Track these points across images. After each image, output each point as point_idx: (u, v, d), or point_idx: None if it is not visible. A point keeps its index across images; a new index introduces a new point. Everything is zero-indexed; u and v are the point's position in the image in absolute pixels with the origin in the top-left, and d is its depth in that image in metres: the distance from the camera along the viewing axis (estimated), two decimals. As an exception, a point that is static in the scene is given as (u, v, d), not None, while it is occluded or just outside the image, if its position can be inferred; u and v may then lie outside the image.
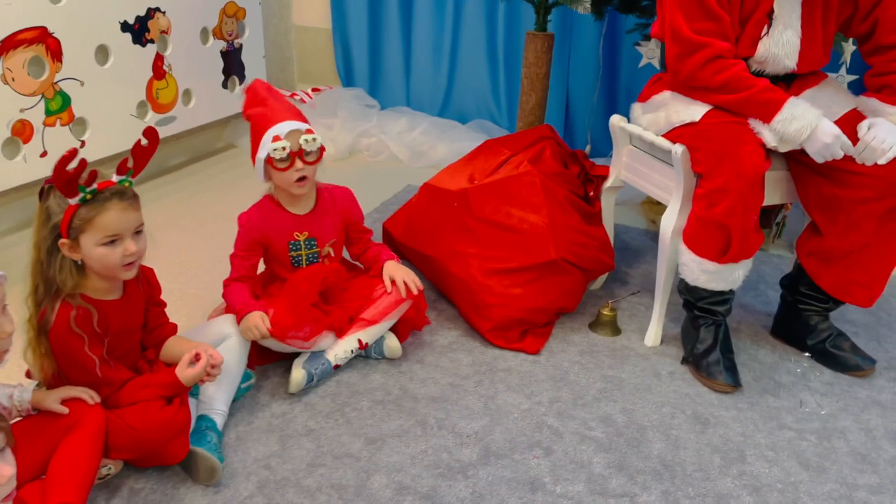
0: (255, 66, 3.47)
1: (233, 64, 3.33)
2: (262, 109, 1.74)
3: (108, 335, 1.45)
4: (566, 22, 3.34)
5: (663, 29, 1.84)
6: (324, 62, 4.03)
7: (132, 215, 1.41)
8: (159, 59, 2.90)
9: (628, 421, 1.73)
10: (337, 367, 1.83)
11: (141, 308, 1.56)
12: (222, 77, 3.28)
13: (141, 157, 1.44)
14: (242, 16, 3.32)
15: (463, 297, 2.05)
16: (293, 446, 1.59)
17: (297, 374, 1.75)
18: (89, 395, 1.42)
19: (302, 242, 1.84)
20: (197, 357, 1.48)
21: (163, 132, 2.99)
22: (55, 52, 2.46)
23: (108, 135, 2.71)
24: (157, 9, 2.84)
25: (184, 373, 1.46)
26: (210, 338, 1.66)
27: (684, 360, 1.94)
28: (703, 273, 1.81)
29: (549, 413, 1.74)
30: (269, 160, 1.71)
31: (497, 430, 1.67)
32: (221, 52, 3.24)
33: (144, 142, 1.44)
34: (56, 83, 2.49)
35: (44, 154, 2.48)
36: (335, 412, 1.71)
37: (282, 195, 1.82)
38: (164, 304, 1.64)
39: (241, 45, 3.35)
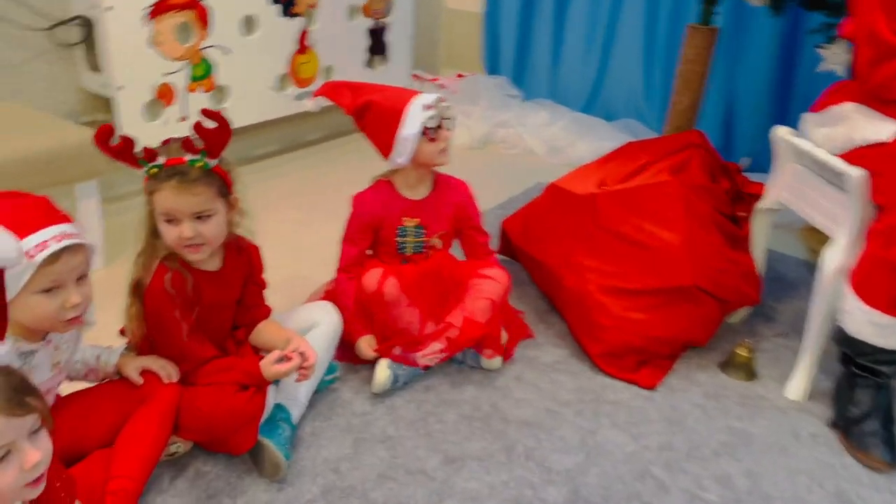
0: (400, 47, 3.41)
1: (378, 43, 3.28)
2: (378, 95, 1.64)
3: (199, 304, 1.40)
4: (738, 16, 2.98)
5: (857, 29, 1.53)
6: (470, 48, 3.91)
7: (190, 199, 1.31)
8: (305, 33, 2.89)
9: (752, 486, 1.47)
10: (426, 368, 1.70)
11: (238, 284, 1.50)
12: (367, 56, 3.24)
13: (211, 136, 1.32)
14: (393, -6, 3.26)
15: (575, 313, 1.85)
16: (367, 452, 1.48)
17: (382, 374, 1.64)
18: (167, 372, 1.38)
19: (410, 229, 1.73)
20: (289, 357, 1.40)
21: (302, 106, 2.99)
22: (203, 18, 2.50)
23: (247, 105, 2.74)
24: (307, -18, 2.83)
25: (269, 368, 1.38)
26: (300, 324, 1.59)
27: (833, 424, 1.64)
28: (871, 325, 1.50)
29: (657, 461, 1.52)
30: (425, 131, 1.60)
31: (592, 472, 1.47)
32: (369, 29, 3.20)
33: (210, 124, 1.33)
34: (201, 50, 2.53)
35: (183, 119, 2.54)
36: (418, 421, 1.58)
37: (408, 176, 1.71)
38: (263, 285, 1.57)
39: (386, 25, 3.29)
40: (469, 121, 3.44)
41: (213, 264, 1.43)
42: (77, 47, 2.36)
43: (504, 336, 1.80)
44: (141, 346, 1.42)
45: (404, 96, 1.63)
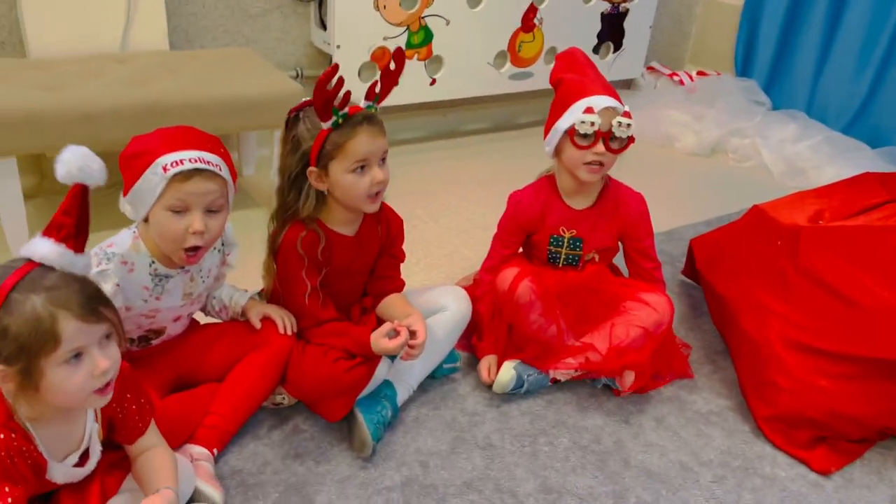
0: (636, 36, 3.17)
1: (611, 29, 3.08)
2: (577, 77, 1.49)
3: (327, 266, 1.39)
4: None
5: None
6: (722, 44, 3.52)
7: (380, 141, 1.31)
8: (532, 10, 2.79)
9: None
10: (554, 381, 1.55)
11: (372, 252, 1.47)
12: (595, 41, 3.06)
13: (389, 81, 1.32)
14: (638, -22, 3.03)
15: (748, 362, 1.56)
16: (462, 455, 1.38)
17: (506, 374, 1.51)
18: (284, 323, 1.39)
19: (565, 240, 1.57)
20: (398, 332, 1.34)
21: (516, 86, 2.92)
22: (430, -13, 2.51)
23: (460, 78, 2.72)
24: (544, -42, 2.71)
25: (378, 342, 1.34)
26: (428, 305, 1.52)
27: None
28: None
29: (799, 565, 1.23)
30: (571, 132, 1.45)
31: (710, 553, 1.23)
32: (602, 13, 3.01)
33: (393, 65, 1.31)
34: (423, 17, 2.55)
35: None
36: (527, 437, 1.44)
37: (564, 181, 1.57)
38: (400, 258, 1.53)
39: (626, 10, 3.07)
40: (699, 124, 3.11)
41: (350, 229, 1.41)
42: (311, 4, 2.49)
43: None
44: (272, 295, 1.45)
45: (587, 89, 1.46)
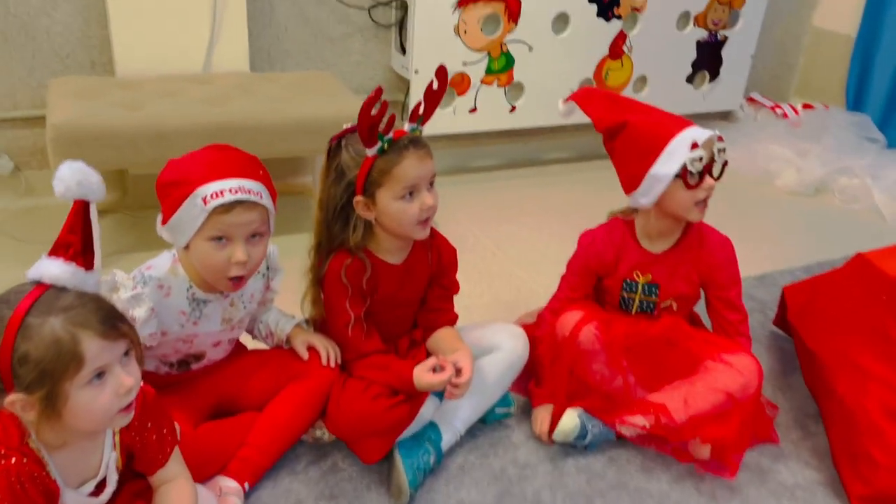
0: (736, 65, 2.98)
1: (707, 57, 2.91)
2: (640, 116, 1.37)
3: (373, 295, 1.32)
4: None
5: None
6: (833, 76, 3.26)
7: (428, 164, 1.25)
8: (621, 37, 2.67)
9: None
10: (620, 436, 1.41)
11: (422, 282, 1.40)
12: (689, 70, 2.90)
13: (432, 101, 1.26)
14: (739, 4, 2.85)
15: (841, 430, 1.38)
16: (507, 511, 1.27)
17: (570, 421, 1.38)
18: (328, 354, 1.33)
19: (640, 285, 1.44)
20: (443, 367, 1.26)
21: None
22: (514, 12, 2.44)
23: (542, 105, 2.62)
24: (636, -17, 2.60)
25: (421, 377, 1.25)
26: (481, 342, 1.42)
27: None
28: None
29: None
30: (683, 174, 1.32)
31: None
32: (698, 42, 2.85)
33: (436, 85, 1.24)
34: (505, 43, 2.48)
35: (473, 110, 2.52)
36: (581, 497, 1.31)
37: (650, 224, 1.43)
38: (453, 289, 1.45)
39: (725, 38, 2.90)
40: (803, 161, 2.87)
41: (398, 257, 1.34)
42: (392, 28, 2.48)
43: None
44: (319, 323, 1.40)
45: (671, 125, 1.34)
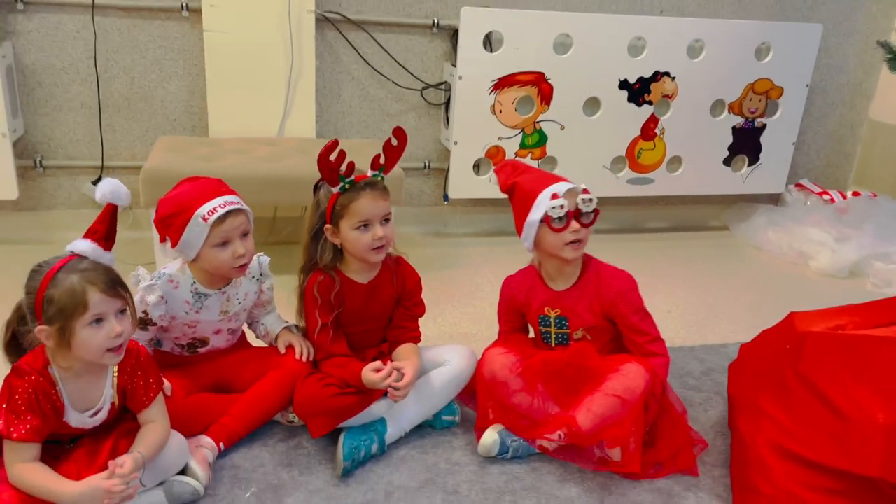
0: (777, 151, 3.12)
1: (746, 142, 3.07)
2: (528, 176, 1.65)
3: (338, 308, 1.65)
4: None
5: None
6: (889, 165, 3.30)
7: (381, 204, 1.57)
8: (653, 121, 2.91)
9: None
10: (541, 450, 1.61)
11: (387, 301, 1.70)
12: (726, 153, 3.07)
13: (391, 154, 1.58)
14: (777, 95, 3.02)
15: (736, 465, 1.51)
16: (425, 494, 1.50)
17: (489, 437, 1.61)
18: (302, 350, 1.66)
19: (552, 319, 1.68)
20: (380, 369, 1.55)
21: (635, 191, 3.02)
22: (546, 95, 2.77)
23: (574, 180, 2.88)
24: (667, 73, 2.85)
25: (366, 374, 1.55)
26: (433, 358, 1.70)
27: None
28: None
29: None
30: (546, 219, 1.59)
31: None
32: (734, 127, 3.03)
33: (395, 141, 1.57)
34: (538, 122, 2.80)
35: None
36: (493, 492, 1.52)
37: (546, 266, 1.69)
38: (416, 311, 1.74)
39: (763, 126, 3.06)
40: (841, 245, 2.92)
41: (363, 277, 1.66)
42: (440, 107, 2.87)
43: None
44: (304, 329, 1.73)
45: (542, 182, 1.60)
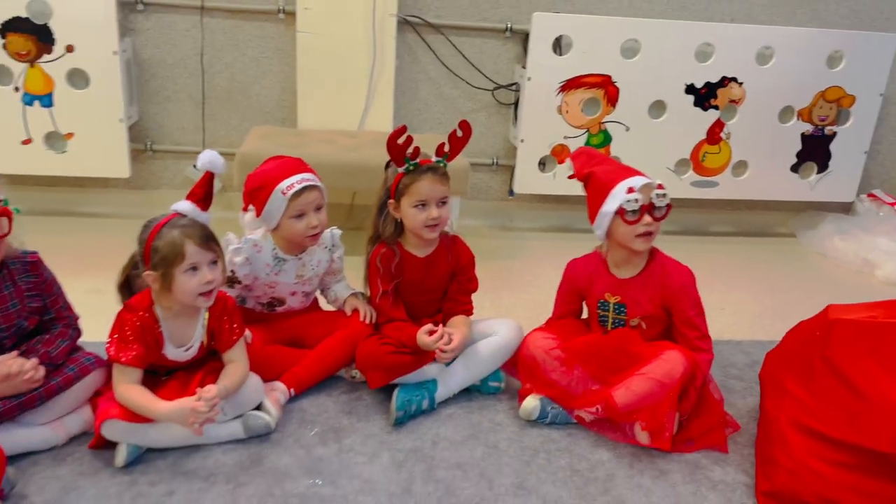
0: (848, 160, 3.12)
1: (815, 150, 3.08)
2: (605, 167, 1.77)
3: (398, 278, 1.83)
4: None
5: None
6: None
7: (440, 187, 1.74)
8: (718, 125, 2.98)
9: None
10: (578, 420, 1.75)
11: (440, 274, 1.86)
12: (794, 160, 3.09)
13: (455, 144, 1.75)
14: (848, 104, 3.02)
15: (760, 440, 1.60)
16: (467, 445, 1.67)
17: (530, 402, 1.76)
18: (365, 314, 1.86)
19: (611, 305, 1.80)
20: (433, 332, 1.72)
21: (699, 193, 3.09)
22: (612, 97, 2.89)
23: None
24: (734, 79, 2.91)
25: (420, 336, 1.73)
26: (483, 329, 1.86)
27: None
28: None
29: None
30: (619, 212, 1.71)
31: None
32: (803, 134, 3.05)
33: (459, 133, 1.74)
34: (603, 123, 2.92)
35: (572, 177, 2.96)
36: (529, 449, 1.67)
37: (613, 254, 1.81)
38: (469, 286, 1.90)
39: (833, 133, 3.07)
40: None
41: (421, 252, 1.84)
42: (510, 107, 3.03)
43: (677, 426, 1.69)
44: (370, 296, 1.93)
45: (619, 174, 1.72)
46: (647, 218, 1.69)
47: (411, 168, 1.74)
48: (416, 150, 1.73)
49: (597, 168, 1.76)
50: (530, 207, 3.20)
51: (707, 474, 1.63)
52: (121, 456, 1.51)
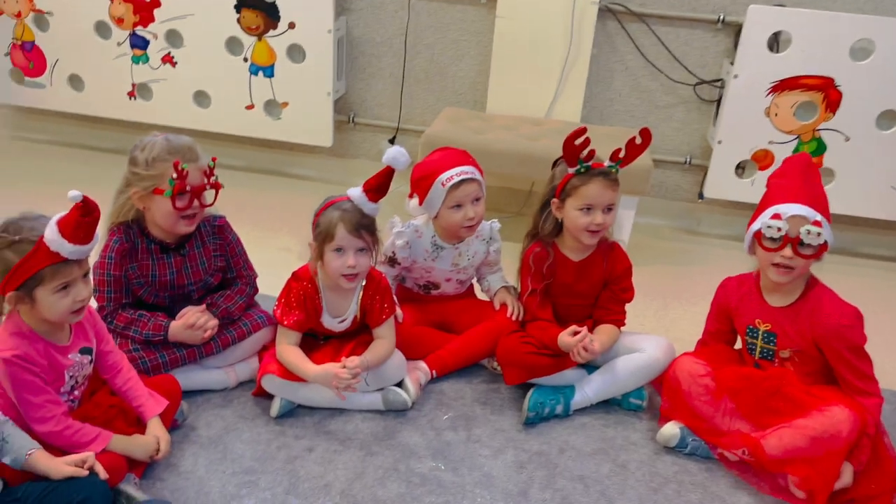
0: None
1: None
2: (782, 182, 1.59)
3: (549, 279, 1.81)
4: None
5: None
6: None
7: (608, 193, 1.70)
8: (966, 142, 2.54)
9: None
10: (720, 459, 1.64)
11: (594, 281, 1.82)
12: None
13: (631, 151, 1.69)
14: None
15: None
16: (587, 454, 1.64)
17: (670, 429, 1.68)
18: (513, 310, 1.87)
19: (760, 332, 1.65)
20: (576, 333, 1.70)
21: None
22: (832, 103, 2.58)
23: (852, 196, 2.66)
24: None
25: (563, 337, 1.71)
26: (628, 344, 1.81)
27: None
28: None
29: None
30: (758, 235, 1.58)
31: None
32: None
33: (639, 140, 1.67)
34: (818, 130, 2.62)
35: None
36: (660, 477, 1.60)
37: (763, 277, 1.65)
38: (625, 297, 1.84)
39: None
40: None
41: (576, 256, 1.80)
42: (712, 104, 2.83)
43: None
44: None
45: (784, 195, 1.57)
46: (787, 251, 1.53)
47: (582, 170, 1.70)
48: (592, 152, 1.69)
49: (775, 180, 1.61)
50: (723, 213, 2.98)
51: None
52: (275, 408, 1.69)
